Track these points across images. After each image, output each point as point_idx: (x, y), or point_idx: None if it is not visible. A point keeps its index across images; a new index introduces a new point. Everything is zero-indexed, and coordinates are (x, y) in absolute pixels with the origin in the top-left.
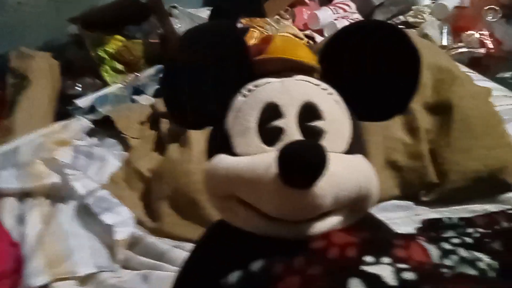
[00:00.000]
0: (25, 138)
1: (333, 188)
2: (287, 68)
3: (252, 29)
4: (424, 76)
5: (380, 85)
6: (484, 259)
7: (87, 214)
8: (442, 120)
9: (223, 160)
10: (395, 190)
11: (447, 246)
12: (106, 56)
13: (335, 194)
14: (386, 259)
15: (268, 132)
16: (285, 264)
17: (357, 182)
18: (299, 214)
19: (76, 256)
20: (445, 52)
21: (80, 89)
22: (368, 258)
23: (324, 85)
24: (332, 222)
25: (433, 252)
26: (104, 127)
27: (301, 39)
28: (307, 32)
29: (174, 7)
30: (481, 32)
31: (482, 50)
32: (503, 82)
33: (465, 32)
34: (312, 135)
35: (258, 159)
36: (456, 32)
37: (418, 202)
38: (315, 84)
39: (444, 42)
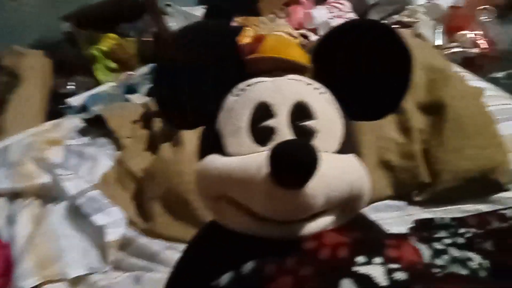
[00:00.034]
0: (15, 137)
1: (325, 188)
2: (279, 67)
3: (246, 28)
4: (417, 76)
5: (372, 85)
6: (476, 259)
7: (78, 215)
8: (434, 120)
9: (214, 160)
10: (388, 190)
11: (438, 246)
12: (99, 54)
13: (326, 194)
14: (377, 259)
15: (260, 132)
16: (277, 264)
17: (349, 182)
18: (290, 214)
19: (66, 257)
20: (438, 51)
21: (72, 87)
22: (360, 258)
23: (316, 84)
24: (324, 222)
25: (425, 252)
26: (96, 126)
27: (296, 38)
28: (302, 31)
29: (169, 5)
30: (474, 32)
31: (476, 50)
32: (496, 82)
33: (459, 32)
34: (304, 134)
35: (250, 159)
36: (450, 32)
37: (411, 202)
38: (307, 84)
39: (438, 42)
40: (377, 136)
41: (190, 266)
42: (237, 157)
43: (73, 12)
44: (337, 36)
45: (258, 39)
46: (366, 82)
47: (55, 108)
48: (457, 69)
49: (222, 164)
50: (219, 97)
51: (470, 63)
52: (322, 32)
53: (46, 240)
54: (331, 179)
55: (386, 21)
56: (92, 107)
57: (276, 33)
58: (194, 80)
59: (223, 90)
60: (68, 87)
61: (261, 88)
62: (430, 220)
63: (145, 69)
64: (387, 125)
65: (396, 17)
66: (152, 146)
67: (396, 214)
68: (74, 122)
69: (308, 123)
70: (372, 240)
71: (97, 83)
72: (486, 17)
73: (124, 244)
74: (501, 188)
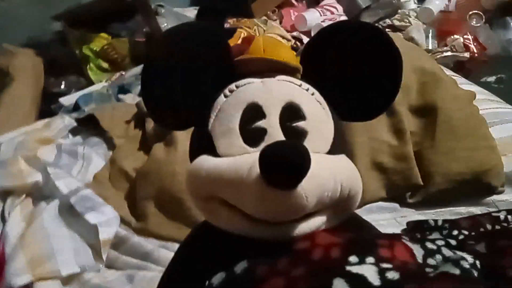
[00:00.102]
0: (7, 136)
1: (316, 189)
2: (269, 68)
3: (239, 30)
4: (409, 78)
5: (362, 85)
6: (468, 259)
7: (70, 213)
8: (426, 122)
9: (205, 161)
10: (381, 192)
11: (431, 246)
12: (91, 54)
13: (318, 194)
14: (370, 259)
15: (251, 133)
16: (269, 265)
17: (340, 182)
18: (282, 215)
19: (59, 255)
20: (430, 55)
21: (64, 87)
22: (352, 258)
23: (306, 85)
24: (316, 223)
25: (418, 251)
26: (89, 126)
27: (289, 40)
28: (295, 33)
29: (161, 6)
30: (465, 36)
31: (466, 54)
32: (487, 86)
33: (450, 36)
34: (295, 135)
35: (241, 160)
36: (441, 36)
37: (404, 204)
38: (297, 85)
39: (429, 46)
40: (370, 138)
41: (183, 266)
42: (228, 158)
43: (64, 12)
44: (326, 37)
45: (248, 40)
46: (356, 82)
47: (47, 108)
48: (448, 72)
49: (213, 165)
50: (209, 98)
51: (461, 67)
52: None
53: (38, 238)
54: (323, 180)
55: (377, 25)
56: (84, 107)
57: (267, 35)
58: (184, 81)
59: (213, 91)
60: (60, 86)
61: (251, 89)
62: (423, 222)
63: (137, 69)
64: (380, 127)
65: (387, 21)
66: (145, 146)
67: (389, 216)
68: (65, 121)
69: (298, 124)
70: (365, 240)
71: (89, 83)
72: (476, 22)
73: (117, 243)
74: (493, 191)
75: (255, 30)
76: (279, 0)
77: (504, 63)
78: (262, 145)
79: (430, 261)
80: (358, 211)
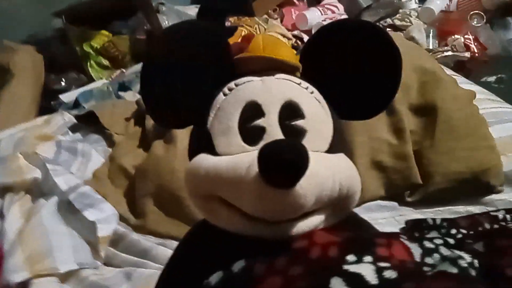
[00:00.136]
0: (6, 132)
1: (315, 188)
2: (269, 66)
3: (240, 28)
4: (410, 78)
5: (361, 84)
6: (466, 258)
7: (69, 210)
8: (426, 122)
9: (204, 160)
10: (380, 191)
11: (429, 244)
12: (91, 51)
13: (316, 193)
14: (368, 258)
15: (250, 131)
16: (267, 264)
17: (339, 181)
18: (280, 214)
19: (57, 252)
20: (430, 55)
21: (64, 84)
22: (350, 257)
23: (305, 83)
24: (314, 221)
25: (416, 250)
26: (88, 123)
27: (289, 39)
28: (296, 32)
29: (162, 3)
30: (466, 36)
31: (467, 54)
32: (487, 86)
33: (451, 36)
34: (294, 134)
35: (240, 158)
36: (442, 36)
37: (403, 203)
38: (297, 83)
39: (430, 46)
40: (370, 137)
41: (181, 264)
42: (227, 157)
43: (65, 9)
44: (326, 35)
45: (247, 39)
46: (355, 81)
47: (47, 104)
48: (449, 72)
49: (212, 163)
50: (208, 96)
51: (461, 67)
52: None
53: (36, 235)
54: (321, 179)
55: (378, 24)
56: (84, 104)
57: (268, 33)
58: (183, 79)
59: (212, 89)
60: (60, 83)
61: (250, 88)
62: (422, 220)
63: (138, 67)
64: (380, 126)
65: (388, 21)
66: (145, 143)
67: (388, 215)
68: (65, 118)
69: (297, 122)
70: (363, 239)
71: (89, 80)
72: (477, 22)
73: (116, 240)
74: (492, 190)
75: (256, 29)
76: None
77: (504, 63)
78: (261, 144)
79: (428, 260)
80: (357, 210)
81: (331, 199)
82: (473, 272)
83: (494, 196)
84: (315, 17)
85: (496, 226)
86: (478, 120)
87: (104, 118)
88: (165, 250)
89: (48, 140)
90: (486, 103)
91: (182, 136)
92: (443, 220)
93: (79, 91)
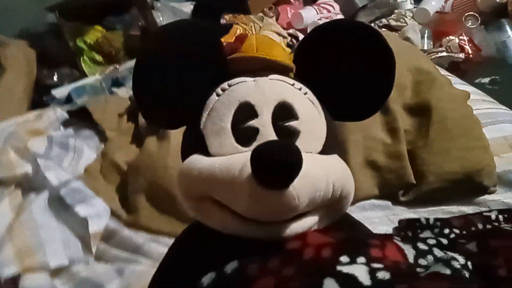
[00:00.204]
0: None
1: (308, 189)
2: (262, 67)
3: (235, 25)
4: (405, 77)
5: (355, 84)
6: (459, 259)
7: (60, 205)
8: (420, 121)
9: (197, 160)
10: (374, 190)
11: (423, 246)
12: (84, 47)
13: (310, 194)
14: (361, 259)
15: (243, 132)
16: (260, 265)
17: (332, 183)
18: (274, 215)
19: (47, 247)
20: (425, 55)
21: (56, 79)
22: (343, 258)
23: (298, 84)
24: (307, 223)
25: (409, 252)
26: (81, 118)
27: (285, 37)
28: (291, 31)
29: (157, 0)
30: (460, 37)
31: (461, 55)
32: (481, 87)
33: (446, 37)
34: (287, 135)
35: (233, 159)
36: (437, 37)
37: (396, 202)
38: (290, 84)
39: (425, 46)
40: (364, 136)
41: (175, 265)
42: (220, 158)
43: (59, 3)
44: (321, 35)
45: (241, 39)
46: (349, 81)
47: (39, 99)
48: (443, 72)
49: (204, 164)
50: (202, 96)
51: (456, 68)
52: None
53: (27, 230)
54: (315, 180)
55: (374, 24)
56: (76, 100)
57: (263, 32)
58: (176, 79)
59: (205, 90)
60: (53, 78)
61: (243, 88)
62: (415, 220)
63: (131, 63)
64: (374, 126)
65: (384, 21)
66: (138, 139)
67: (382, 214)
68: (57, 113)
69: (291, 123)
70: (356, 240)
71: (82, 75)
72: (472, 24)
73: (107, 236)
74: (485, 191)
75: (251, 27)
76: None
77: (498, 65)
78: (254, 145)
79: (422, 261)
80: (351, 208)
81: (324, 200)
82: (466, 274)
83: (487, 197)
84: (311, 16)
85: (489, 226)
86: (472, 121)
87: (97, 114)
88: (157, 246)
89: (40, 135)
90: (480, 103)
91: (175, 132)
92: (436, 219)
93: (71, 86)
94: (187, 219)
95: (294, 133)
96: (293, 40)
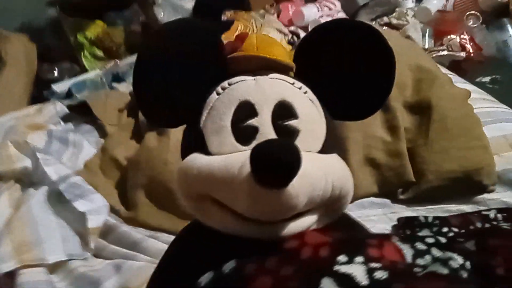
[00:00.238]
0: None
1: (307, 188)
2: (262, 66)
3: (236, 22)
4: (405, 75)
5: (355, 84)
6: (457, 259)
7: (59, 200)
8: (421, 120)
9: (197, 159)
10: (373, 187)
11: (421, 245)
12: (85, 42)
13: (309, 194)
14: (359, 259)
15: (243, 131)
16: (257, 264)
17: (331, 182)
18: (273, 214)
19: (46, 242)
20: (426, 54)
21: (57, 74)
22: (341, 258)
23: (298, 83)
24: (306, 222)
25: (407, 251)
26: (81, 113)
27: (286, 34)
28: (292, 28)
29: None
30: (462, 36)
31: (462, 54)
32: (482, 86)
33: (447, 36)
34: (287, 134)
35: (232, 158)
36: (438, 36)
37: (395, 200)
38: (290, 83)
39: (426, 45)
40: (364, 134)
41: (174, 263)
42: (219, 156)
43: None
44: (321, 34)
45: (241, 38)
46: (349, 81)
47: (39, 94)
48: (444, 71)
49: (204, 163)
50: (202, 95)
51: (457, 66)
52: None
53: (25, 225)
54: (314, 179)
55: (375, 23)
56: (77, 94)
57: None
58: (176, 77)
59: (205, 88)
60: (53, 73)
61: (243, 87)
62: (414, 218)
63: (132, 58)
64: (374, 123)
65: (385, 19)
66: (137, 134)
67: (381, 212)
68: (58, 107)
69: (290, 122)
70: (354, 239)
71: (83, 70)
72: (473, 23)
73: (106, 232)
74: (484, 189)
75: (252, 23)
76: None
77: (499, 64)
78: (254, 144)
79: (419, 261)
80: (350, 206)
81: (323, 200)
82: (464, 274)
83: (486, 196)
84: (312, 14)
85: (487, 225)
86: (472, 120)
87: (97, 109)
88: (156, 242)
89: (39, 130)
90: (481, 102)
91: (176, 128)
92: (435, 218)
93: (72, 81)
94: (186, 215)
95: (293, 132)
96: (294, 37)
